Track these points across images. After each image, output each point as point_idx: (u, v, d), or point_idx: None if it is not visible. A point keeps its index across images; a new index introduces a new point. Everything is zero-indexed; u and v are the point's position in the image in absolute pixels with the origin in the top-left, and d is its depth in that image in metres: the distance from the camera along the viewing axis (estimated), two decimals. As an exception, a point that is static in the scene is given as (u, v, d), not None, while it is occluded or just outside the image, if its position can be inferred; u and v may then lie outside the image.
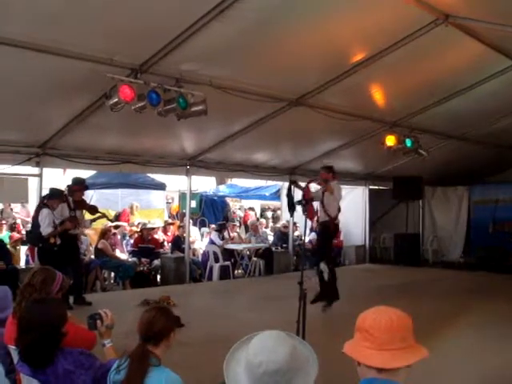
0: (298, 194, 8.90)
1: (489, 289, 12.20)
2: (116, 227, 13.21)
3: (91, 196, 10.95)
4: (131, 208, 15.68)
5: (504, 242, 15.26)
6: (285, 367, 2.09)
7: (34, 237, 9.37)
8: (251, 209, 21.33)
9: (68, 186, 10.03)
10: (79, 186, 9.95)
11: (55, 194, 9.38)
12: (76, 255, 9.94)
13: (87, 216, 10.25)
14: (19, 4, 5.90)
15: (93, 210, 10.22)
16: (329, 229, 9.34)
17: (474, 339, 7.52)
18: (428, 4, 7.33)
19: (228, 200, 20.20)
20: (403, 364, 2.07)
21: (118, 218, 14.64)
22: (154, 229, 13.75)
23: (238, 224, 17.48)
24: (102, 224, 12.47)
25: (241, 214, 20.74)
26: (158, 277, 12.94)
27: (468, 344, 7.29)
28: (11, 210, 14.50)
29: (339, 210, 9.33)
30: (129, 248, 13.42)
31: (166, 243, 14.03)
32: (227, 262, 13.66)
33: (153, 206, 18.45)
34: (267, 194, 20.23)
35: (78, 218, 9.59)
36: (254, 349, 2.13)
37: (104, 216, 10.83)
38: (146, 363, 2.98)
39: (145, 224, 13.98)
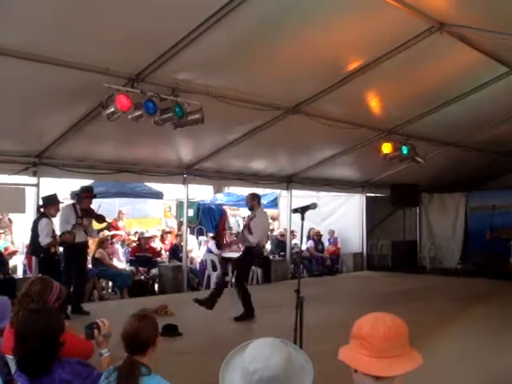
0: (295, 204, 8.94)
1: (486, 295, 12.18)
2: (113, 236, 13.19)
3: (99, 206, 10.84)
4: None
5: (501, 249, 15.26)
6: (280, 374, 2.08)
7: (34, 247, 9.31)
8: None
9: (76, 193, 9.95)
10: (88, 193, 9.90)
11: (49, 200, 9.32)
12: (82, 264, 9.89)
13: (94, 225, 10.20)
14: (17, 15, 5.92)
15: (100, 219, 10.10)
16: (252, 254, 9.71)
17: (473, 345, 7.50)
18: (423, 12, 7.39)
19: (225, 208, 20.16)
20: (402, 372, 2.05)
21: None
22: (151, 237, 13.73)
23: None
24: (100, 233, 12.45)
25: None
26: (156, 286, 12.91)
27: (466, 350, 7.28)
28: (9, 220, 14.43)
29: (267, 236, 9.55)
30: (126, 257, 13.40)
31: (163, 252, 13.99)
32: (225, 271, 13.62)
33: (150, 214, 18.40)
34: (265, 202, 20.16)
35: (75, 231, 9.47)
36: (249, 356, 2.13)
37: (111, 226, 10.70)
38: (136, 375, 2.97)
39: (142, 233, 13.96)
